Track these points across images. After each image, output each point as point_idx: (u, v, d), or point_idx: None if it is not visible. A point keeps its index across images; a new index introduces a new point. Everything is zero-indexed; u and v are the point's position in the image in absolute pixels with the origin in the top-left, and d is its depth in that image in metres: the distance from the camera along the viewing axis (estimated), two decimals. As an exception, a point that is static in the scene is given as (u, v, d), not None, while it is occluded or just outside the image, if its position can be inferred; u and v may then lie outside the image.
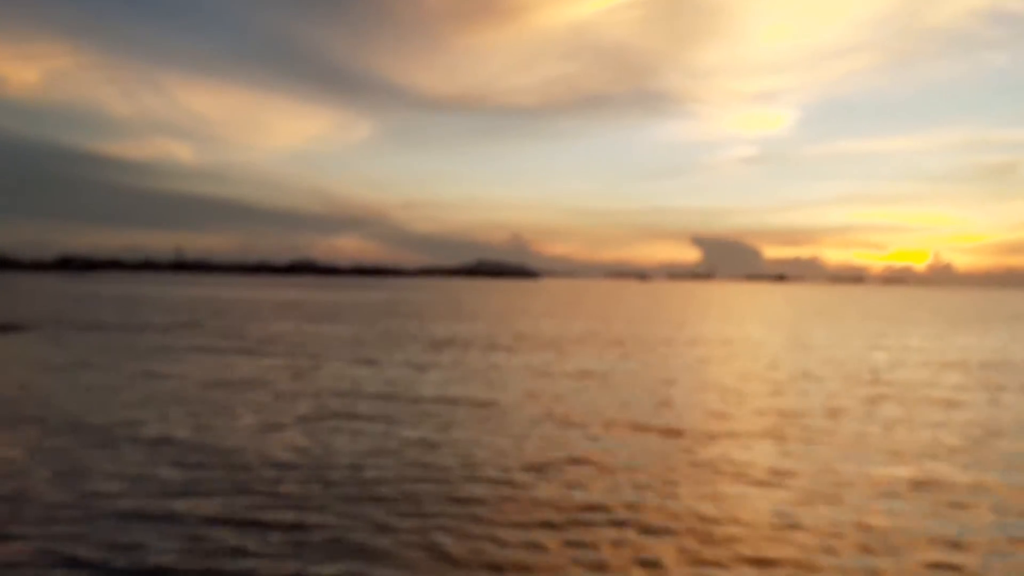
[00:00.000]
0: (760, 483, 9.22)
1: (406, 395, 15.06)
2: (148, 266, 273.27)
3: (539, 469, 9.67)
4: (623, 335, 32.11)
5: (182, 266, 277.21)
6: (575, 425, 12.50)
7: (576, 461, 10.07)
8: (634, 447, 10.95)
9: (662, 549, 6.94)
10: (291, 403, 13.98)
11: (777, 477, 9.50)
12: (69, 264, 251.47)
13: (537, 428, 12.26)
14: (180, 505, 7.98)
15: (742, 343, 29.34)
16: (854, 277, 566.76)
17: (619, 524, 7.58)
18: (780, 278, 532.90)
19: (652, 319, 45.56)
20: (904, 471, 9.82)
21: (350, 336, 28.91)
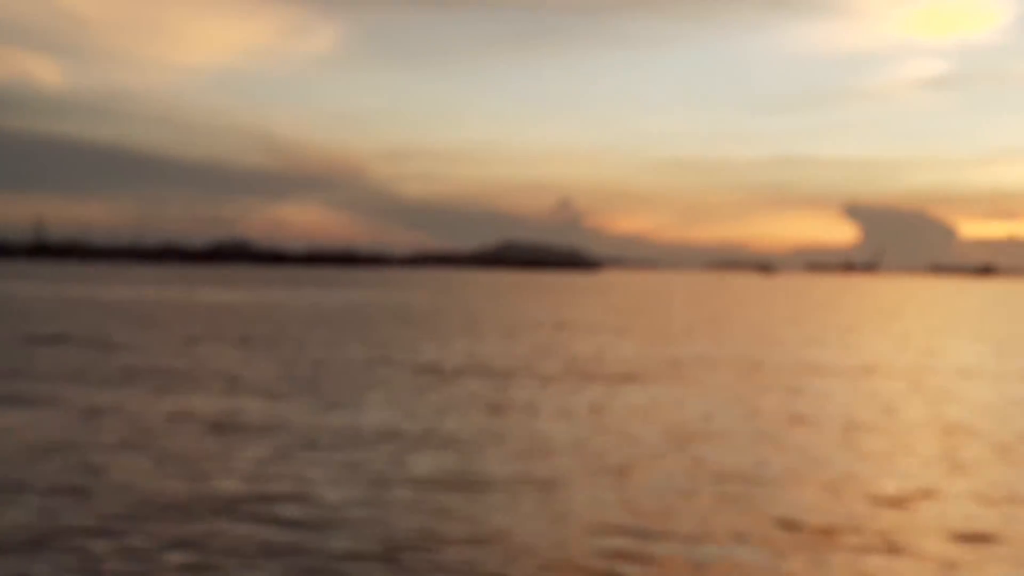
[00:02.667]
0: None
1: (366, 495, 14.04)
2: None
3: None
4: (746, 364, 31.46)
5: (45, 249, 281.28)
6: (687, 523, 11.41)
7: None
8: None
9: None
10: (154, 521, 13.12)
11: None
12: None
13: (616, 529, 11.19)
14: None
15: (944, 377, 28.21)
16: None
17: None
18: (985, 271, 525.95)
19: (785, 335, 44.52)
20: None
21: (301, 370, 28.65)
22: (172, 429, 17.40)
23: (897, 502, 12.98)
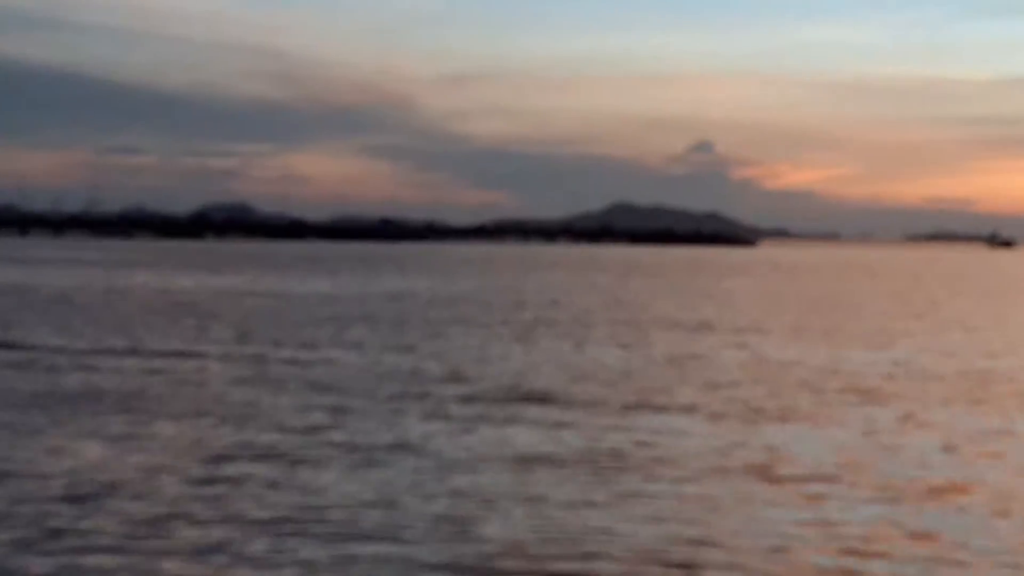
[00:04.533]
0: None
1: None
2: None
3: None
4: (977, 380, 29.02)
5: None
6: None
7: None
8: None
9: None
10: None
11: None
12: None
13: None
14: None
15: None
16: None
17: None
18: None
19: None
20: None
21: (326, 395, 27.02)
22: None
23: None
